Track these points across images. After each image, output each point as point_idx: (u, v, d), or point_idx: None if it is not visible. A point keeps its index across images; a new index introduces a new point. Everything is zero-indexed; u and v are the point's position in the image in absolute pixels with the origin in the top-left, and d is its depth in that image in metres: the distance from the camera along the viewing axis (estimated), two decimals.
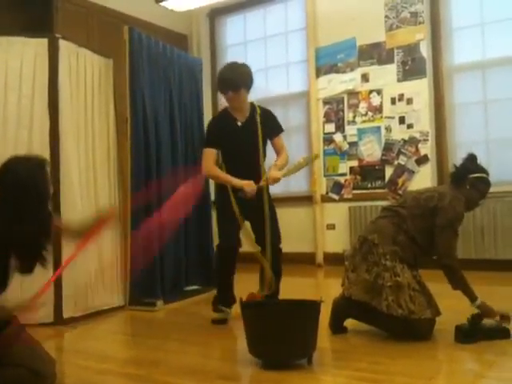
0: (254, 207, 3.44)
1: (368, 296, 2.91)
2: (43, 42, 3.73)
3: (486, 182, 3.09)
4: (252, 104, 3.66)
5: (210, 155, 3.53)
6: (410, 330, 2.83)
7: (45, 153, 3.65)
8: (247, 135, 3.56)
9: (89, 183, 3.94)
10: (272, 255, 3.47)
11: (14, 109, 3.66)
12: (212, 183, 6.00)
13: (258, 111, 3.62)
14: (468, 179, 3.04)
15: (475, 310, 2.83)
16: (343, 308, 3.06)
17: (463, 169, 3.10)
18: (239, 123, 3.58)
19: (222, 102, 7.10)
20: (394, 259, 2.89)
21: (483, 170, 3.11)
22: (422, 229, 2.96)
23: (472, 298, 2.85)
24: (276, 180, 3.45)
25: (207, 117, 6.20)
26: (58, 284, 3.59)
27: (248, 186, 3.36)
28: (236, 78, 3.48)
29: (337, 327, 3.07)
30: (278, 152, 3.66)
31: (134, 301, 4.10)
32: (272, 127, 3.64)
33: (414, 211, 2.99)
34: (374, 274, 2.89)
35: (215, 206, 3.76)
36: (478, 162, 3.15)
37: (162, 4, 5.86)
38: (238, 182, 3.40)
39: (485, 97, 5.50)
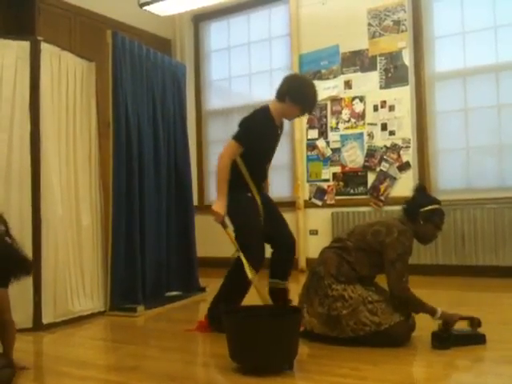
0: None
1: (327, 328, 2.90)
2: (25, 45, 3.69)
3: (438, 214, 3.04)
4: None
5: (235, 150, 3.35)
6: (385, 340, 2.82)
7: (25, 156, 3.63)
8: (277, 142, 3.57)
9: (70, 187, 3.91)
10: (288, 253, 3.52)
11: None
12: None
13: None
14: (420, 214, 2.99)
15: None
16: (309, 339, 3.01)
17: (414, 204, 3.06)
18: (279, 131, 3.53)
19: (207, 108, 7.14)
20: (341, 285, 2.90)
21: (434, 201, 3.07)
22: (363, 262, 2.96)
23: (432, 313, 2.87)
24: None
25: (190, 121, 6.22)
26: (37, 289, 3.55)
27: (217, 212, 3.25)
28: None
29: None
30: None
31: (115, 306, 4.06)
32: None
33: (359, 244, 2.99)
34: (326, 306, 2.90)
35: (235, 210, 3.37)
36: (427, 192, 3.17)
37: (146, 8, 5.83)
38: (220, 200, 3.28)
39: (465, 105, 5.56)
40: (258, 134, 3.35)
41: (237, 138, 3.35)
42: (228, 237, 3.30)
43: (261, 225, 3.37)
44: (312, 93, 3.39)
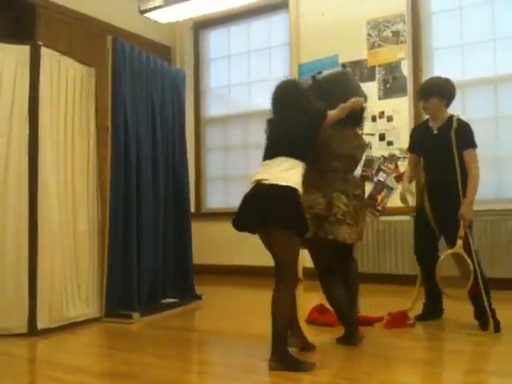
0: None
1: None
2: (25, 49, 3.70)
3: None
4: (450, 116, 3.72)
5: (409, 159, 3.97)
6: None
7: (23, 160, 3.63)
8: (440, 145, 3.63)
9: (67, 192, 3.90)
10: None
11: None
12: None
13: (455, 124, 3.64)
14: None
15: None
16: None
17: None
18: (435, 131, 3.70)
19: (206, 115, 7.15)
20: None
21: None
22: None
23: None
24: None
25: (189, 129, 6.23)
26: (32, 294, 3.54)
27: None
28: (427, 88, 3.72)
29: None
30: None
31: (110, 313, 4.05)
32: (463, 141, 3.59)
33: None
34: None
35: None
36: None
37: (147, 15, 5.86)
38: None
39: (463, 116, 5.50)
40: (416, 137, 3.92)
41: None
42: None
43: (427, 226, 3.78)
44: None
